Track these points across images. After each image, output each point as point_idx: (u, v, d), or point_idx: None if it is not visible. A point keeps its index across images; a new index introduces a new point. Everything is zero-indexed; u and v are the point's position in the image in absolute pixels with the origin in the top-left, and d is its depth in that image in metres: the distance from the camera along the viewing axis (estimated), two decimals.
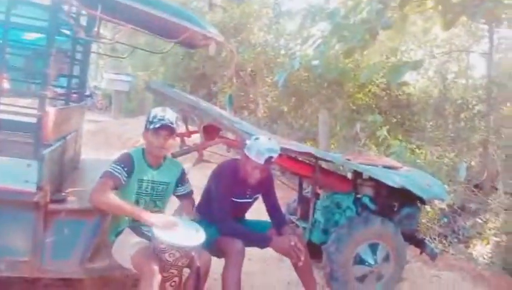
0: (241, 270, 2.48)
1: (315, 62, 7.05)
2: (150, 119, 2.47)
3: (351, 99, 7.34)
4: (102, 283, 2.89)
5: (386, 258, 3.28)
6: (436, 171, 5.45)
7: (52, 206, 2.35)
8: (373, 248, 3.24)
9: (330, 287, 3.20)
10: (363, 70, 7.08)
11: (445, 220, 5.56)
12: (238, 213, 2.83)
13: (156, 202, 2.58)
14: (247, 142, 2.67)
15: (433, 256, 3.63)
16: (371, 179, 3.47)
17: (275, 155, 2.60)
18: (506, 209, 4.93)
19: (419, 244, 3.68)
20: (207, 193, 2.81)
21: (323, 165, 3.52)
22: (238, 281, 2.45)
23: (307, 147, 3.52)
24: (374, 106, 7.34)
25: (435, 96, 7.01)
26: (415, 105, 7.31)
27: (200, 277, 2.32)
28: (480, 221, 5.20)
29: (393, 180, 3.25)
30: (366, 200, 3.59)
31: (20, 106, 2.62)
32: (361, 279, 3.21)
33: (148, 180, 2.53)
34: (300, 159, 3.43)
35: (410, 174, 3.62)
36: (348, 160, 3.48)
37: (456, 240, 5.13)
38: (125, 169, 2.41)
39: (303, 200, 3.77)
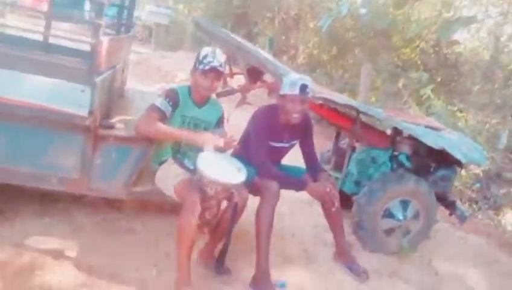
0: (274, 210, 2.57)
1: (363, 10, 6.75)
2: (200, 59, 2.50)
3: (396, 53, 7.05)
4: (141, 206, 3.08)
5: (416, 216, 3.32)
6: (476, 136, 5.31)
7: (101, 132, 2.46)
8: (404, 204, 3.27)
9: (357, 235, 3.29)
10: (412, 23, 6.73)
11: (478, 185, 5.49)
12: (275, 157, 2.88)
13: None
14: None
15: (462, 219, 3.64)
16: (410, 137, 3.43)
17: (309, 84, 2.60)
18: None
19: (450, 206, 3.68)
20: (246, 135, 2.86)
21: (363, 118, 3.49)
22: (271, 220, 2.55)
23: (349, 99, 3.47)
24: (419, 62, 7.04)
25: (484, 58, 6.63)
26: (463, 66, 6.96)
27: (236, 211, 2.44)
28: None
29: (434, 141, 3.20)
30: (402, 157, 3.58)
31: (73, 33, 2.67)
32: (389, 232, 3.28)
33: (192, 116, 2.61)
34: (341, 110, 3.41)
35: (451, 137, 3.55)
36: (389, 116, 3.44)
37: (486, 206, 5.08)
38: (171, 103, 2.48)
39: (338, 151, 3.79)
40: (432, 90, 5.41)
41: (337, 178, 3.57)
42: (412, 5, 5.94)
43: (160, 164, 2.65)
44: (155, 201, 2.92)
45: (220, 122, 2.74)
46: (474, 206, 4.94)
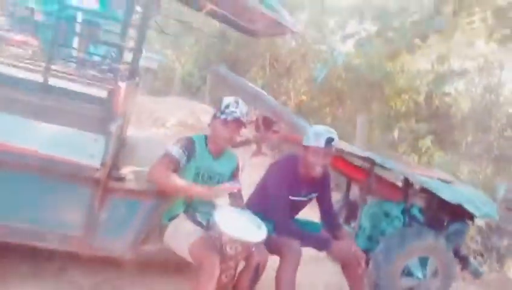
0: (296, 272, 2.38)
1: (357, 60, 6.88)
2: (222, 109, 2.39)
3: (389, 104, 7.14)
4: (143, 264, 2.82)
5: (435, 274, 3.15)
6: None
7: (112, 184, 2.27)
8: (423, 261, 3.11)
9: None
10: (406, 75, 6.87)
11: (478, 238, 5.40)
12: (292, 212, 2.72)
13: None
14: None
15: (477, 275, 3.50)
16: (422, 190, 3.34)
17: (335, 137, 2.48)
18: None
19: (463, 261, 3.54)
20: (263, 187, 2.70)
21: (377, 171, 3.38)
22: (293, 283, 2.35)
23: (365, 151, 3.38)
24: (411, 113, 7.13)
25: (477, 110, 6.77)
26: (455, 117, 7.08)
27: (258, 272, 2.24)
28: None
29: (451, 195, 3.10)
30: (415, 211, 3.46)
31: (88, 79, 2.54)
32: None
33: (206, 168, 2.45)
34: (355, 163, 3.31)
35: (464, 190, 3.47)
36: (404, 168, 3.35)
37: (488, 259, 4.96)
38: (186, 153, 2.33)
39: (349, 204, 3.65)
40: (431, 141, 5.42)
41: (350, 235, 3.41)
42: (405, 57, 6.06)
43: (171, 219, 2.45)
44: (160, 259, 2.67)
45: (234, 174, 2.59)
46: (480, 258, 4.81)
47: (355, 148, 3.47)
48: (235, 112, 2.34)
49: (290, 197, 2.60)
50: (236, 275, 2.33)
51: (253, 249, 2.23)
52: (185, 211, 2.45)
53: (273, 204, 2.52)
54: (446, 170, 5.35)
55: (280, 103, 10.06)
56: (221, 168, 2.51)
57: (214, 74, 3.20)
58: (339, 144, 3.13)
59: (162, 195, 2.37)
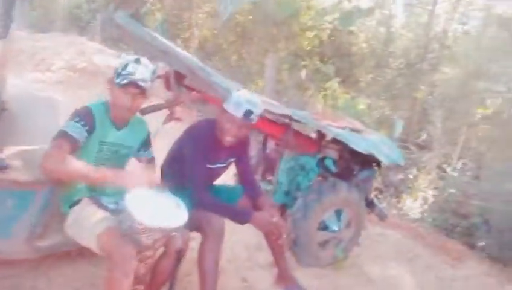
0: (220, 252, 2.24)
1: None
2: (119, 71, 2.00)
3: (296, 43, 7.03)
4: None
5: (348, 224, 3.28)
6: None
7: None
8: (338, 214, 3.21)
9: (292, 252, 3.13)
10: (312, 12, 6.75)
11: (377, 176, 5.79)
12: (210, 180, 2.53)
13: (116, 167, 2.18)
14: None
15: (382, 217, 3.73)
16: (335, 141, 3.37)
17: (256, 111, 2.27)
18: (438, 166, 5.26)
19: (370, 205, 3.75)
20: (177, 155, 2.43)
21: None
22: (217, 262, 2.22)
23: (283, 107, 3.24)
24: (317, 52, 7.14)
25: (377, 49, 6.99)
26: (356, 55, 7.24)
27: (179, 257, 2.06)
28: (410, 177, 5.49)
29: (363, 146, 3.17)
30: (329, 163, 3.50)
31: None
32: (323, 244, 3.20)
33: (111, 142, 2.11)
34: (272, 118, 3.16)
35: (373, 138, 3.57)
36: (316, 120, 3.31)
37: (387, 194, 5.39)
38: (86, 128, 1.95)
39: (265, 160, 3.56)
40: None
41: (267, 191, 3.36)
42: None
43: (72, 205, 2.11)
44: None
45: (145, 145, 2.30)
46: (380, 196, 5.20)
47: (269, 104, 3.31)
48: (133, 74, 1.97)
49: (207, 165, 2.39)
50: (155, 260, 2.13)
51: (173, 233, 2.01)
52: (88, 196, 2.12)
53: (191, 176, 2.29)
54: (349, 111, 5.53)
55: (182, 40, 9.44)
56: (129, 139, 2.19)
57: (115, 24, 2.64)
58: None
59: (58, 182, 1.99)
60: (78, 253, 2.40)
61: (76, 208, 2.09)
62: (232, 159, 2.57)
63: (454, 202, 4.70)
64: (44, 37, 9.38)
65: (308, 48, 7.10)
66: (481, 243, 4.23)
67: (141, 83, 1.99)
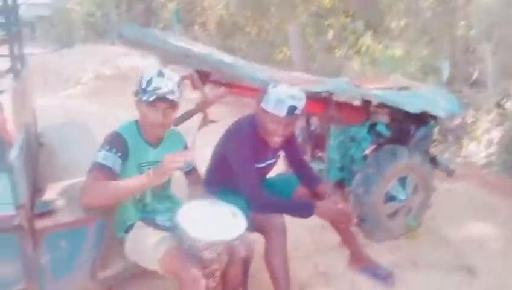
0: (286, 249, 2.09)
1: None
2: (143, 86, 1.85)
3: (316, 3, 6.60)
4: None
5: (415, 190, 3.04)
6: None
7: (39, 225, 1.76)
8: (402, 181, 2.97)
9: (361, 230, 2.95)
10: None
11: None
12: (263, 177, 2.36)
13: (163, 186, 2.06)
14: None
15: (449, 172, 3.45)
16: (383, 103, 3.09)
17: (300, 104, 2.05)
18: (497, 104, 4.83)
19: (433, 162, 3.47)
20: (222, 159, 2.27)
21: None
22: (285, 263, 2.08)
23: (320, 84, 2.98)
24: (340, 8, 6.69)
25: None
26: (381, 2, 6.70)
27: (247, 266, 1.93)
28: (469, 120, 5.08)
29: (416, 105, 2.88)
30: (381, 128, 3.24)
31: None
32: (392, 215, 2.98)
33: (150, 162, 1.98)
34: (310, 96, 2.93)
35: (425, 93, 3.26)
36: (357, 86, 3.04)
37: (447, 144, 5.02)
38: (119, 155, 1.83)
39: (312, 138, 3.35)
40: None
41: (320, 170, 3.17)
42: None
43: (127, 230, 2.02)
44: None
45: None
46: (440, 147, 4.85)
47: (305, 81, 3.06)
48: (159, 88, 1.81)
49: (256, 166, 2.22)
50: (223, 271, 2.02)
51: (236, 242, 1.87)
52: (141, 218, 2.03)
53: (242, 180, 2.13)
54: (388, 65, 5.15)
55: (199, 25, 9.20)
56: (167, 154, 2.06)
57: (123, 39, 2.43)
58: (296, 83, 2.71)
59: (107, 210, 1.90)
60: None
61: (131, 233, 2.01)
62: (281, 151, 2.38)
63: None
64: (68, 52, 9.47)
65: (329, 5, 6.67)
66: None
67: (170, 97, 1.85)
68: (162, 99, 1.83)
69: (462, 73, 5.13)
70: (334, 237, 2.79)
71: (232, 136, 2.22)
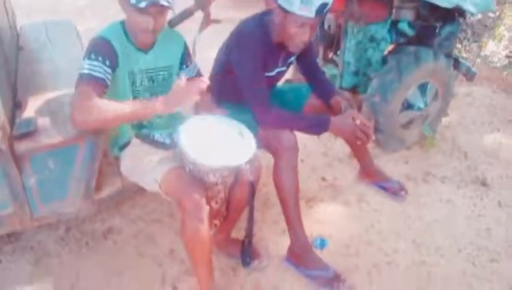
0: (296, 168, 1.91)
1: None
2: None
3: None
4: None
5: (435, 97, 2.80)
6: None
7: (20, 147, 1.56)
8: (422, 88, 2.71)
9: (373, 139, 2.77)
10: None
11: None
12: (270, 88, 2.09)
13: (159, 96, 1.82)
14: None
15: (471, 76, 3.14)
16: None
17: (331, 1, 1.70)
18: None
19: (454, 64, 3.17)
20: (227, 66, 1.98)
21: None
22: (296, 181, 1.91)
23: None
24: None
25: None
26: None
27: (254, 189, 1.77)
28: (491, 15, 4.58)
29: None
30: (403, 25, 2.86)
31: None
32: (408, 125, 2.78)
33: (142, 69, 1.73)
34: None
35: None
36: None
37: (466, 41, 4.60)
38: (107, 63, 1.57)
39: (325, 38, 2.99)
40: None
41: (333, 75, 2.89)
42: None
43: (122, 148, 1.83)
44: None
45: (186, 59, 1.86)
46: (458, 45, 4.45)
47: None
48: None
49: (265, 74, 1.94)
50: (228, 193, 1.88)
51: (243, 166, 1.68)
52: (138, 135, 1.82)
53: (247, 93, 1.87)
54: None
55: None
56: (163, 59, 1.78)
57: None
58: None
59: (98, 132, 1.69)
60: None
61: (127, 150, 1.82)
62: (293, 57, 2.07)
63: None
64: None
65: None
66: None
67: (164, 2, 1.53)
68: (154, 4, 1.52)
69: None
70: (345, 149, 2.65)
71: (238, 40, 1.89)
